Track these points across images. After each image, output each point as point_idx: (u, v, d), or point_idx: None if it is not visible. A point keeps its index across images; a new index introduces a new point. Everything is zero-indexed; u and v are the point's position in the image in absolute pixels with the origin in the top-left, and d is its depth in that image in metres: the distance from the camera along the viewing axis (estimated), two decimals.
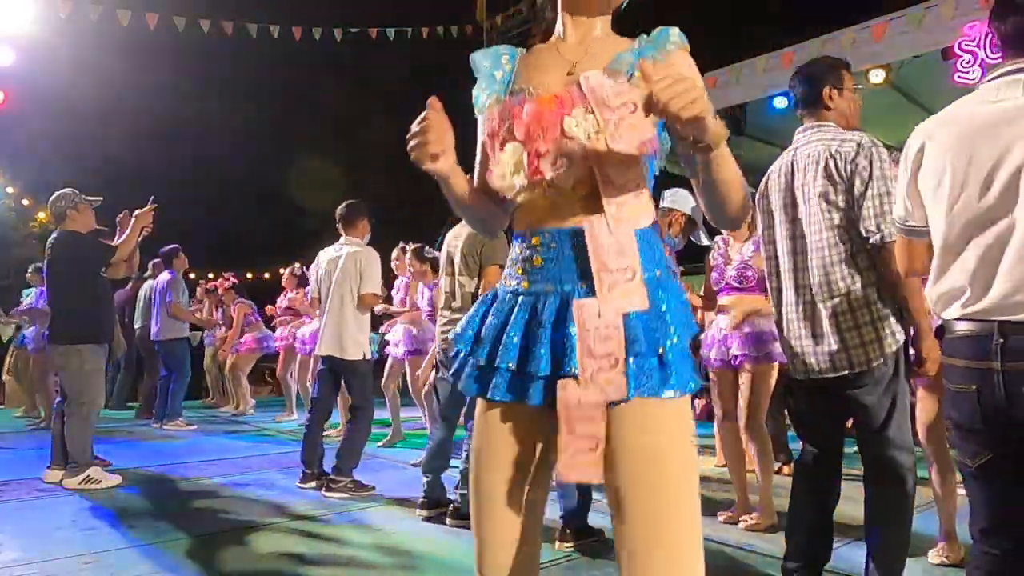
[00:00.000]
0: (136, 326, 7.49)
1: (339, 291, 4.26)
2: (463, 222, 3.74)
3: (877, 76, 5.84)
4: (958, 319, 1.56)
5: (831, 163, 2.19)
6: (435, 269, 4.77)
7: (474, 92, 1.30)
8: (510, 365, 1.16)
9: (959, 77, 5.04)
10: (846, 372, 2.18)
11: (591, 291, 1.14)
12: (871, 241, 2.13)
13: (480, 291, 3.51)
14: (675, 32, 1.22)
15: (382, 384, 5.77)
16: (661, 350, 1.11)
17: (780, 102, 6.56)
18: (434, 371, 3.87)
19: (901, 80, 6.13)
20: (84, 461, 4.21)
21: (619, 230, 1.13)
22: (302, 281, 7.15)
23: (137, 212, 4.46)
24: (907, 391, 2.22)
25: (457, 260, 3.61)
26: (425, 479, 3.64)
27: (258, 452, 5.56)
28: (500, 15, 10.71)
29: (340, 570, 2.84)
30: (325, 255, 4.42)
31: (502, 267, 3.50)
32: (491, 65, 1.30)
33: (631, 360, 1.10)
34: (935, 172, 1.62)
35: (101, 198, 4.62)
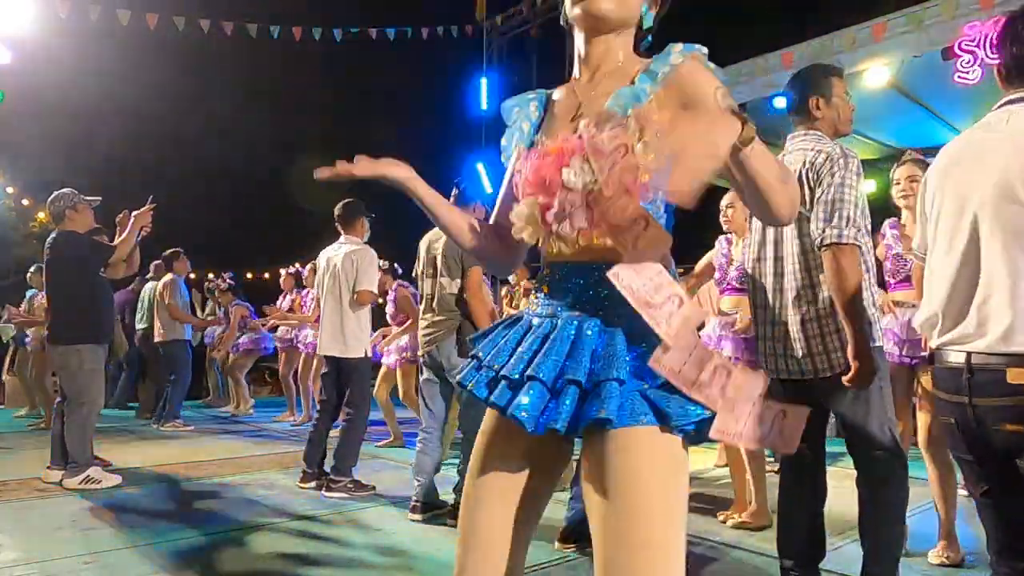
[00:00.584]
0: (139, 327, 7.49)
1: (336, 290, 4.27)
2: None
3: (880, 77, 5.84)
4: (938, 348, 1.60)
5: (803, 172, 2.22)
6: None
7: (503, 142, 1.37)
8: (515, 376, 1.19)
9: (959, 77, 5.04)
10: (811, 377, 2.23)
11: (586, 318, 1.17)
12: (817, 241, 2.15)
13: (465, 292, 3.51)
14: (678, 47, 1.21)
15: (375, 391, 5.72)
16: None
17: (780, 102, 6.53)
18: (419, 373, 3.86)
19: (901, 80, 6.12)
20: (84, 461, 4.21)
21: (645, 268, 1.11)
22: (299, 281, 7.15)
23: (136, 212, 4.46)
24: (884, 393, 2.23)
25: (439, 262, 3.61)
26: (417, 482, 3.62)
27: (258, 452, 5.55)
28: (500, 15, 10.72)
29: (340, 570, 2.84)
30: (324, 255, 4.43)
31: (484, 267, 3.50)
32: (520, 115, 1.36)
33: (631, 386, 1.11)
34: (929, 202, 1.68)
35: (100, 199, 4.62)
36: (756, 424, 1.08)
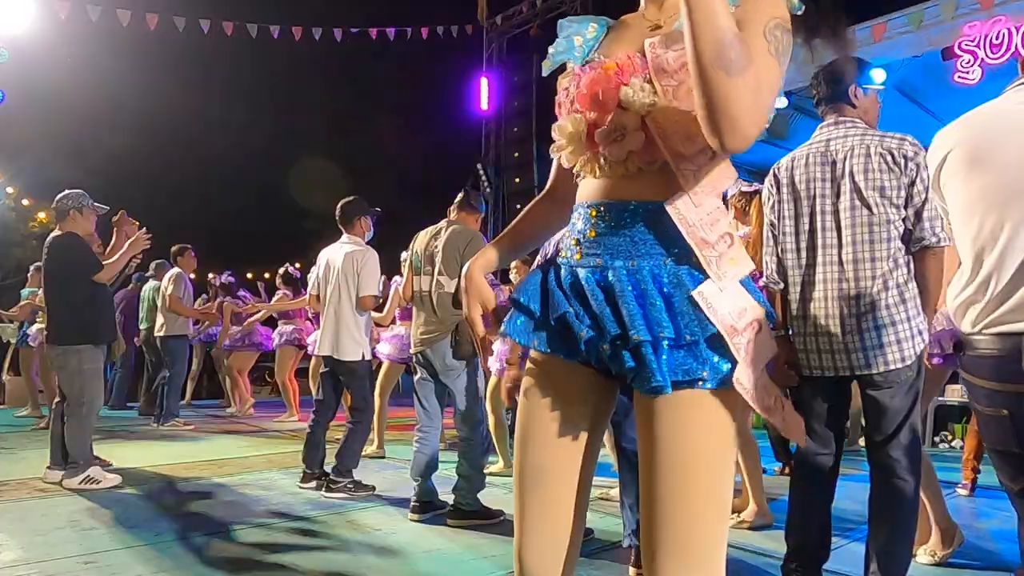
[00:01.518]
0: (142, 327, 7.49)
1: (337, 292, 4.24)
2: (442, 222, 3.72)
3: (880, 77, 5.84)
4: (979, 333, 1.47)
5: (889, 158, 2.16)
6: None
7: (550, 50, 1.25)
8: (555, 320, 1.13)
9: (959, 77, 5.05)
10: (872, 372, 2.15)
11: (641, 267, 1.08)
12: (926, 243, 2.13)
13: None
14: None
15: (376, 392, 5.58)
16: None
17: (780, 102, 6.56)
18: (414, 374, 3.84)
19: (901, 80, 6.13)
20: (84, 461, 4.21)
21: (704, 201, 1.05)
22: (287, 280, 7.15)
23: (129, 240, 4.44)
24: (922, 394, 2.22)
25: (438, 259, 3.58)
26: (415, 483, 3.62)
27: (258, 452, 5.55)
28: (500, 15, 10.73)
29: (340, 570, 2.84)
30: (324, 254, 4.41)
31: None
32: (574, 31, 1.25)
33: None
34: (957, 175, 1.56)
35: (108, 208, 4.61)
36: (765, 391, 1.06)
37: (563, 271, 1.17)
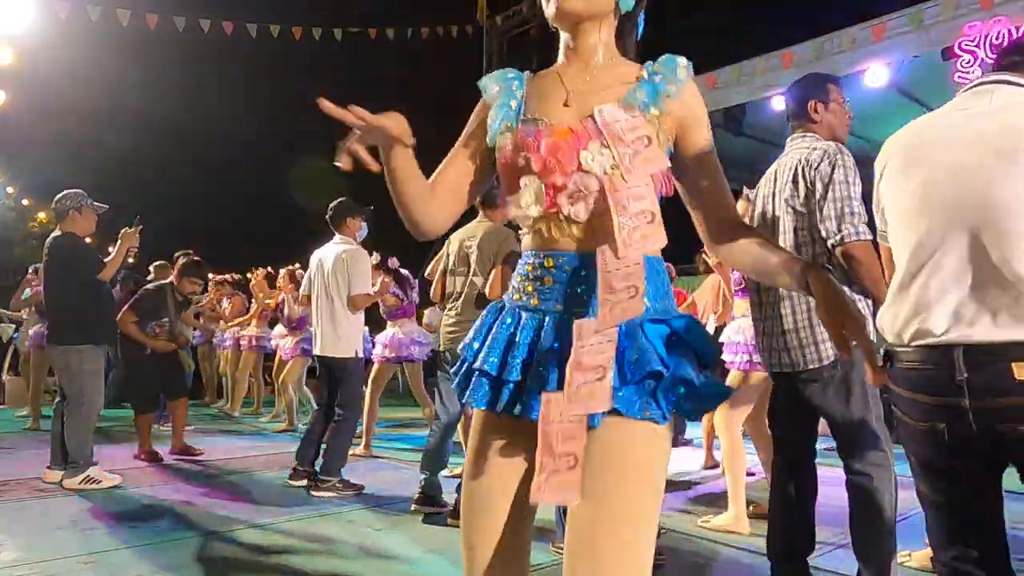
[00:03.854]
0: None
1: (328, 291, 4.30)
2: (474, 222, 3.73)
3: (880, 77, 5.84)
4: (907, 345, 1.45)
5: (799, 169, 2.29)
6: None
7: (488, 120, 1.28)
8: (515, 379, 1.17)
9: (959, 77, 5.04)
10: (798, 370, 2.28)
11: (594, 313, 1.13)
12: (830, 242, 2.19)
13: (488, 287, 3.50)
14: (682, 62, 1.21)
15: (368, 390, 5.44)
16: (650, 375, 1.11)
17: (780, 102, 6.56)
18: (438, 369, 3.87)
19: (901, 80, 6.13)
20: (84, 461, 4.21)
21: (629, 255, 1.11)
22: (292, 279, 7.13)
23: (123, 232, 4.46)
24: (867, 389, 2.24)
25: (473, 259, 3.57)
26: (422, 476, 3.66)
27: (257, 452, 5.56)
28: (500, 15, 10.73)
29: (338, 571, 2.84)
30: (317, 255, 4.47)
31: (513, 267, 3.49)
32: (502, 91, 1.29)
33: (617, 375, 1.10)
34: (894, 181, 1.57)
35: (107, 207, 4.60)
36: (565, 437, 1.08)
37: (517, 319, 1.21)
